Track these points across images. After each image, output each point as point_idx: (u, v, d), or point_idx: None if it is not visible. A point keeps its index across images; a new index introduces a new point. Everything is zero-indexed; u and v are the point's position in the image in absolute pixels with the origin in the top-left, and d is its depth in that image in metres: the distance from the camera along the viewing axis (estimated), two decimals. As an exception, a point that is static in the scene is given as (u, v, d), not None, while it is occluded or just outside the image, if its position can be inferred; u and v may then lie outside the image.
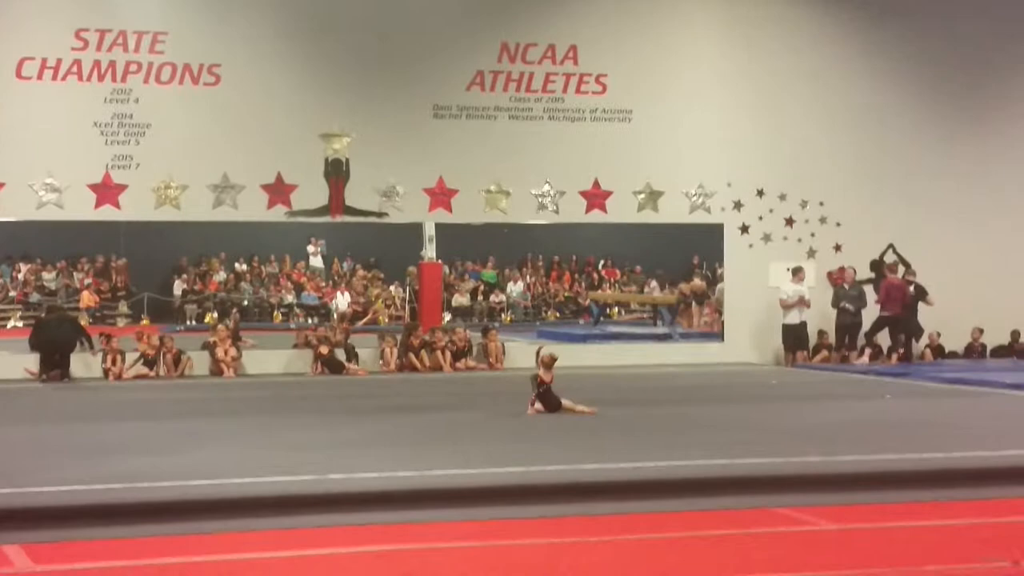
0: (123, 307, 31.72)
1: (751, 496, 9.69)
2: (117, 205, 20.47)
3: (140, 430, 13.26)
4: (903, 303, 21.90)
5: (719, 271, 24.88)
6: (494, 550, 8.21)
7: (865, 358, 22.15)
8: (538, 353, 14.63)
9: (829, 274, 22.83)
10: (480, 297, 33.12)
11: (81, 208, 20.40)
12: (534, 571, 7.52)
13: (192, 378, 20.20)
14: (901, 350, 22.01)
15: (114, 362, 20.01)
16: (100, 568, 7.69)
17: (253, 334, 24.00)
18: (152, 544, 8.24)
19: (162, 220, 21.46)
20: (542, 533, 8.60)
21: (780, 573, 7.41)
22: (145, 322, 29.99)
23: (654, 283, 33.49)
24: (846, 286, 22.45)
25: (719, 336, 23.57)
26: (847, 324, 22.33)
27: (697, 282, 28.31)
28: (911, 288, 22.17)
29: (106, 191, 20.39)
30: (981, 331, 23.26)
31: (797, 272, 22.28)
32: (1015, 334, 23.47)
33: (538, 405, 14.28)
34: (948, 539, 8.69)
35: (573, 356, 22.39)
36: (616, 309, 33.44)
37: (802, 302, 22.09)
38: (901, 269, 22.59)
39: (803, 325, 22.25)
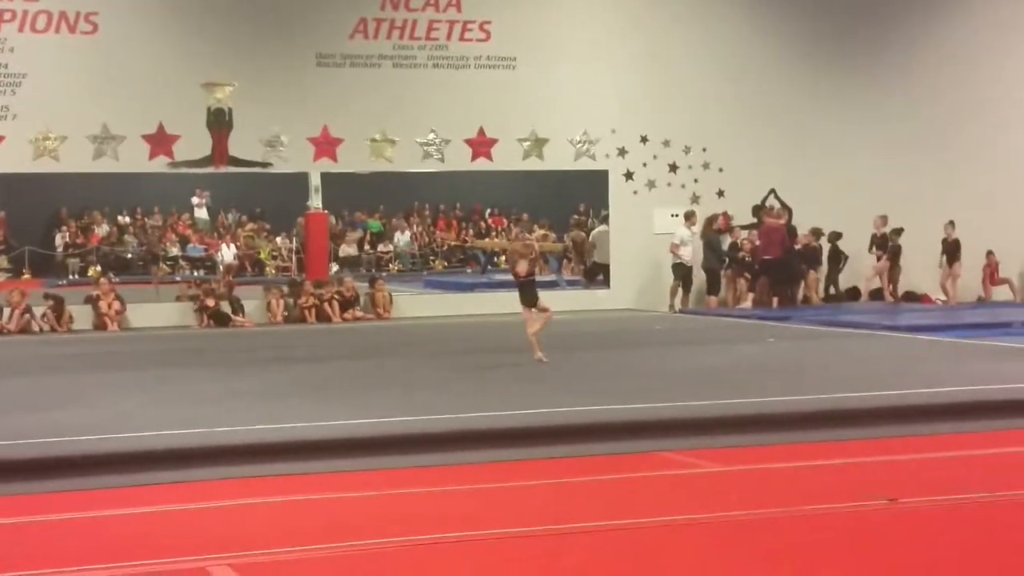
0: (3, 262, 31.11)
1: (636, 440, 9.84)
2: (-7, 157, 20.06)
3: (22, 386, 13.07)
4: (783, 246, 22.26)
5: (602, 215, 25.02)
6: (371, 500, 8.27)
7: (748, 302, 22.52)
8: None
9: (710, 220, 22.91)
10: (367, 247, 32.97)
11: (-44, 161, 19.96)
12: (419, 519, 7.58)
13: (75, 332, 19.92)
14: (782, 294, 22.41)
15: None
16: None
17: (138, 288, 23.79)
18: (52, 500, 8.22)
19: (41, 172, 21.05)
20: (429, 481, 8.66)
21: (667, 515, 7.55)
22: (26, 276, 29.46)
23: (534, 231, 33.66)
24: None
25: (604, 283, 23.77)
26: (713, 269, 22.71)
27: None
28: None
29: (-18, 143, 19.97)
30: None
31: (689, 217, 22.51)
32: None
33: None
34: (828, 479, 8.91)
35: (461, 305, 22.62)
36: (504, 257, 33.52)
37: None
38: (785, 214, 22.98)
39: (691, 268, 22.51)
